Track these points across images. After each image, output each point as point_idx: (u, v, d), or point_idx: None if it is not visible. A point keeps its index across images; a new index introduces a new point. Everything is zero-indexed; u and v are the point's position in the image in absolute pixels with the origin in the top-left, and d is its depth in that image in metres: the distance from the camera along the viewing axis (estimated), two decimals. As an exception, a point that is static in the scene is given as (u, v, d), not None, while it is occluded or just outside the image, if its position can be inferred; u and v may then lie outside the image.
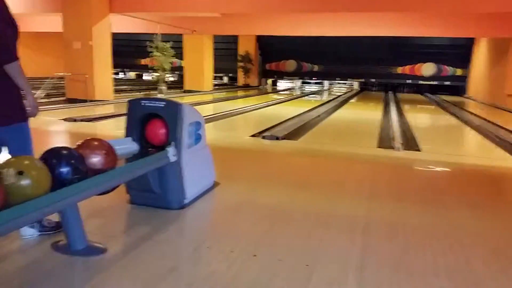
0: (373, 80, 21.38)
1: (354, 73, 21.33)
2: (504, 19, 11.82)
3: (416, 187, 4.00)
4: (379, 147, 5.92)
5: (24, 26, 15.71)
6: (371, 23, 12.96)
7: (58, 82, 11.58)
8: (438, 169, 4.87)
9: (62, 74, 10.79)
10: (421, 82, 20.42)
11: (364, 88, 21.99)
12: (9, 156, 2.10)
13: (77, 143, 2.30)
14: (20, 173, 1.70)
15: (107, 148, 2.30)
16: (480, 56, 17.36)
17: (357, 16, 12.51)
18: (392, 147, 5.79)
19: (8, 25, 2.13)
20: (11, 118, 2.21)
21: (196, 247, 2.45)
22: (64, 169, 1.95)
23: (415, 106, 14.57)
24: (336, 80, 22.33)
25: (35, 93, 2.31)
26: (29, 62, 18.74)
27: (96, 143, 2.29)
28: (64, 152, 2.02)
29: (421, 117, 11.68)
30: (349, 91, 20.65)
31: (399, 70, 20.54)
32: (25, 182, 1.71)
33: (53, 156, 1.97)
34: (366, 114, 11.35)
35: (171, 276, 2.04)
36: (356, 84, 22.34)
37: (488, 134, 7.36)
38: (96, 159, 2.21)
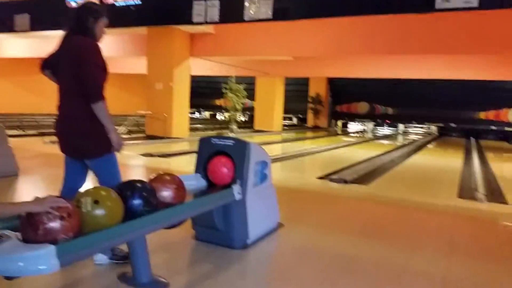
0: (453, 125, 20.14)
1: (431, 117, 20.31)
2: None
3: (503, 244, 3.56)
4: (460, 197, 5.44)
5: (113, 67, 17.42)
6: (451, 65, 12.39)
7: (139, 119, 12.52)
8: (530, 226, 4.33)
9: (143, 112, 11.65)
10: (507, 129, 18.80)
11: (443, 133, 20.78)
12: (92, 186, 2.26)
13: (150, 177, 2.41)
14: (96, 202, 1.80)
15: (178, 183, 2.38)
16: None
17: (435, 58, 12.07)
18: (474, 198, 5.29)
19: (100, 69, 2.35)
20: (100, 151, 2.40)
21: (257, 290, 2.38)
22: (137, 201, 2.03)
23: (500, 154, 13.36)
24: (412, 123, 21.40)
25: (117, 129, 2.47)
26: (115, 100, 20.56)
27: (168, 177, 2.38)
28: (138, 184, 2.12)
29: (508, 167, 10.63)
30: (426, 136, 19.64)
31: (482, 115, 19.17)
32: (99, 211, 1.80)
33: (127, 188, 2.08)
34: (445, 161, 10.63)
35: (229, 319, 1.98)
36: (434, 129, 21.21)
37: None
38: (166, 193, 2.29)
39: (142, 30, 11.13)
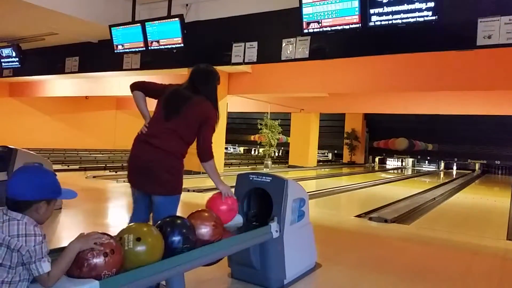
0: (497, 162, 19.21)
1: (475, 154, 19.49)
2: None
3: None
4: (509, 239, 5.11)
5: (154, 106, 18.18)
6: (492, 101, 11.99)
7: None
8: None
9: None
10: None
11: (486, 170, 19.82)
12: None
13: (190, 214, 2.44)
14: (138, 239, 1.84)
15: (216, 220, 2.39)
16: None
17: (475, 94, 11.74)
18: (526, 241, 4.95)
19: (213, 131, 2.60)
20: (176, 190, 2.55)
21: (295, 334, 2.29)
22: (176, 238, 2.05)
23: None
24: (454, 160, 20.59)
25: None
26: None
27: (206, 214, 2.40)
28: (178, 221, 2.15)
29: None
30: (469, 173, 18.78)
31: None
32: (141, 248, 1.83)
33: (168, 224, 2.11)
34: (490, 200, 10.06)
35: None
36: (477, 166, 20.28)
37: None
38: (205, 230, 2.30)
39: (183, 70, 11.61)
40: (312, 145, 17.06)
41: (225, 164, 12.89)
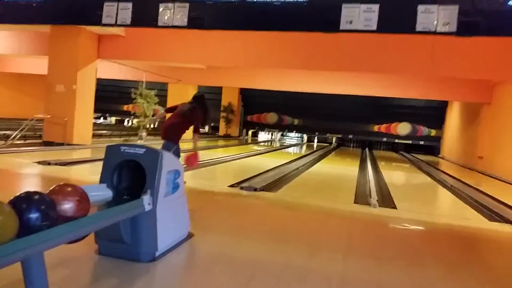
0: (350, 136, 21.93)
1: (332, 129, 21.87)
2: (475, 86, 12.57)
3: (392, 245, 4.00)
4: (356, 202, 5.96)
5: (6, 66, 15.71)
6: (352, 82, 13.52)
7: (36, 124, 11.42)
8: (413, 227, 4.92)
9: (41, 116, 10.66)
10: (396, 140, 21.05)
11: (341, 143, 22.48)
12: None
13: (50, 188, 2.24)
14: (-15, 218, 1.63)
15: (81, 195, 2.24)
16: (453, 118, 18.12)
17: (338, 75, 13.07)
18: (368, 204, 5.83)
19: (200, 121, 5.28)
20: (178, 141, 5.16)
21: (166, 302, 2.34)
22: (33, 215, 1.87)
23: (390, 163, 14.89)
24: (315, 134, 22.81)
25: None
26: (9, 102, 18.42)
27: (69, 189, 2.23)
28: (35, 197, 1.96)
29: (397, 175, 11.92)
30: (327, 146, 21.05)
31: (375, 128, 21.21)
32: (-11, 227, 1.63)
33: (23, 201, 1.90)
34: (343, 169, 11.53)
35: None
36: (334, 140, 22.83)
37: (461, 195, 7.53)
38: (68, 206, 2.14)
39: (45, 28, 10.23)
40: (188, 117, 16.93)
41: (94, 136, 11.99)
